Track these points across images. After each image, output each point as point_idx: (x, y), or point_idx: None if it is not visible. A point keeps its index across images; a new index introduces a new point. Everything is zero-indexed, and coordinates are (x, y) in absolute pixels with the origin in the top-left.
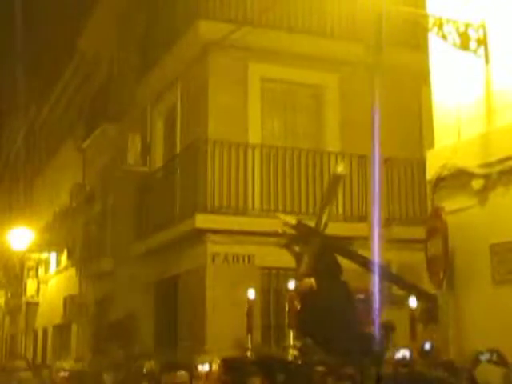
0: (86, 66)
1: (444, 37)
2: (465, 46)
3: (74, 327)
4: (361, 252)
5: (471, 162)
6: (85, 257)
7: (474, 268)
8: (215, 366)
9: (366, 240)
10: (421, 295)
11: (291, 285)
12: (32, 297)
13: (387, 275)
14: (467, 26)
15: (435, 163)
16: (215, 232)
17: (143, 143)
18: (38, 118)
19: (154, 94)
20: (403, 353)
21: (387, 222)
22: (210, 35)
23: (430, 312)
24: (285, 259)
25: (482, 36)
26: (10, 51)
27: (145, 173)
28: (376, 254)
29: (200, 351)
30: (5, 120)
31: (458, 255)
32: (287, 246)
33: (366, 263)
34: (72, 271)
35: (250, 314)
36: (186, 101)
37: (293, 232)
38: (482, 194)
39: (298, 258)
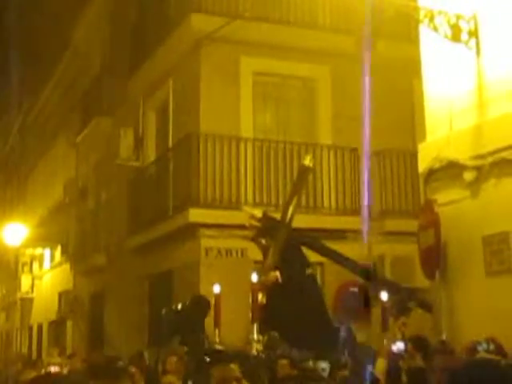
0: (78, 60)
1: (435, 28)
2: (456, 37)
3: (69, 323)
4: (354, 245)
5: (463, 154)
6: (79, 252)
7: (466, 259)
8: None
9: (359, 233)
10: (394, 289)
11: (254, 277)
12: (27, 293)
13: (356, 269)
14: (458, 17)
15: (427, 155)
16: (208, 226)
17: (136, 137)
18: (32, 113)
19: (147, 88)
20: (399, 345)
21: (380, 215)
22: (202, 29)
23: (400, 304)
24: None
25: (473, 28)
26: (1, 46)
27: (138, 167)
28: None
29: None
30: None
31: (450, 247)
32: (254, 239)
33: (333, 255)
34: (66, 267)
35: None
36: (178, 94)
37: (259, 225)
38: (474, 185)
39: (265, 250)
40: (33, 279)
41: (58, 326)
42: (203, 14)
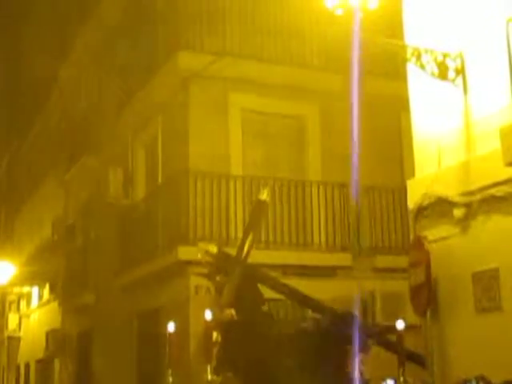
0: (66, 99)
1: (422, 66)
2: (443, 75)
3: (57, 362)
4: (345, 282)
5: (452, 191)
6: (67, 290)
7: (457, 296)
8: None
9: (349, 270)
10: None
11: (208, 315)
12: (14, 331)
13: (313, 305)
14: (445, 55)
15: (416, 192)
16: (198, 264)
17: (125, 175)
18: (20, 151)
19: (135, 126)
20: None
21: (370, 251)
22: (190, 66)
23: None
24: (266, 289)
25: (459, 65)
26: None
27: (127, 205)
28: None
29: None
30: None
31: (440, 284)
32: (208, 276)
33: (288, 292)
34: (54, 305)
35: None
36: (166, 131)
37: (213, 261)
38: (464, 222)
39: (219, 287)
40: (20, 318)
41: (45, 364)
42: (191, 51)
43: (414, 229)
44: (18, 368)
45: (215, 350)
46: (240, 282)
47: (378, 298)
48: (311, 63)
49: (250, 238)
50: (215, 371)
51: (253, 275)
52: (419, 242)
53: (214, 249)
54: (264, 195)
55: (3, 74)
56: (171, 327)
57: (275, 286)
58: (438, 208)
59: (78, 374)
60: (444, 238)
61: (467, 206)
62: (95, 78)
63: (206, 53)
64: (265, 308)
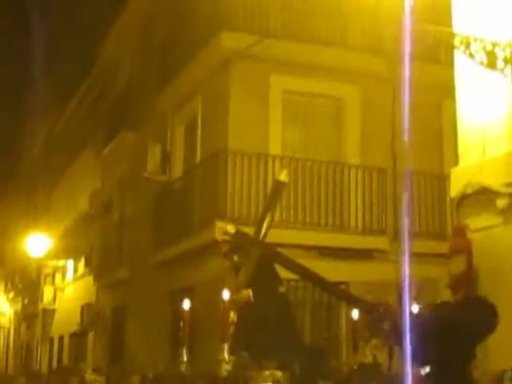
0: (107, 74)
1: (471, 55)
2: (492, 64)
3: (91, 335)
4: (381, 266)
5: (496, 181)
6: (102, 265)
7: (497, 287)
8: None
9: (384, 253)
10: (363, 308)
11: (225, 295)
12: (49, 304)
13: (331, 288)
14: (494, 44)
15: (459, 180)
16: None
17: (163, 152)
18: (58, 124)
19: (175, 103)
20: None
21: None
22: (233, 46)
23: (373, 326)
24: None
25: (508, 55)
26: (30, 57)
27: (164, 182)
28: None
29: None
30: (26, 125)
31: (481, 274)
32: (226, 255)
33: (307, 274)
34: (89, 279)
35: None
36: (206, 110)
37: (232, 241)
38: (507, 212)
39: (237, 267)
40: (55, 291)
41: (79, 338)
42: (233, 31)
43: (456, 217)
44: (52, 341)
45: (231, 330)
46: (257, 262)
47: (413, 282)
48: (354, 44)
49: (267, 218)
50: (231, 351)
51: (270, 256)
52: (461, 231)
53: (232, 228)
54: (283, 176)
55: (45, 46)
56: (186, 305)
57: (293, 266)
58: (481, 197)
59: (112, 348)
60: (486, 228)
61: (511, 196)
62: (137, 54)
63: (249, 33)
64: (282, 289)
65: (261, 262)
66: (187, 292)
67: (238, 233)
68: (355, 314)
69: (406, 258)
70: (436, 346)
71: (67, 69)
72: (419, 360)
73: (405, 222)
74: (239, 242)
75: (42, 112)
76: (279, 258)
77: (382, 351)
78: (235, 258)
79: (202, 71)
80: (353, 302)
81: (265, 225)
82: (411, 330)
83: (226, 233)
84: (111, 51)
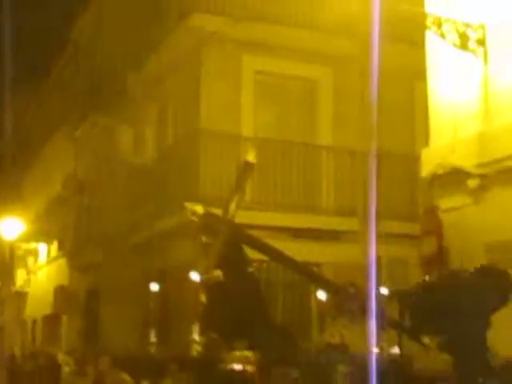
0: (79, 56)
1: (443, 35)
2: (464, 45)
3: (64, 318)
4: (353, 247)
5: (467, 162)
6: (75, 247)
7: (468, 266)
8: None
9: (356, 234)
10: (331, 288)
11: (195, 276)
12: (21, 287)
13: (299, 268)
14: (467, 26)
15: (431, 161)
16: None
17: (136, 134)
18: (30, 107)
19: (147, 85)
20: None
21: (377, 217)
22: (205, 27)
23: (339, 306)
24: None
25: (481, 36)
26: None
27: (136, 164)
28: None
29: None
30: None
31: (452, 253)
32: (195, 237)
33: (276, 255)
34: (62, 262)
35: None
36: (178, 92)
37: (200, 222)
38: (478, 193)
39: (206, 248)
40: (28, 273)
41: (52, 320)
42: (205, 13)
43: (427, 197)
44: (25, 323)
45: (201, 312)
46: (226, 243)
47: (383, 263)
48: (326, 27)
49: (235, 198)
50: (201, 332)
51: (239, 236)
52: (432, 211)
53: (200, 209)
54: (250, 157)
55: (16, 28)
56: (155, 287)
57: (262, 247)
58: (452, 178)
59: (85, 330)
60: (457, 208)
61: (482, 177)
62: (109, 35)
63: (221, 14)
64: (251, 269)
65: (229, 243)
66: (160, 274)
67: (207, 214)
68: (321, 294)
69: (373, 239)
70: (450, 315)
71: (39, 53)
72: (432, 332)
73: (372, 203)
74: (208, 223)
75: (13, 95)
76: (250, 241)
77: (349, 331)
78: (204, 238)
79: (173, 52)
80: (321, 282)
81: (232, 205)
82: (378, 310)
83: (194, 214)
84: (83, 33)
